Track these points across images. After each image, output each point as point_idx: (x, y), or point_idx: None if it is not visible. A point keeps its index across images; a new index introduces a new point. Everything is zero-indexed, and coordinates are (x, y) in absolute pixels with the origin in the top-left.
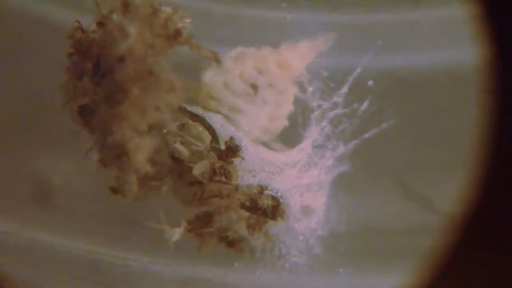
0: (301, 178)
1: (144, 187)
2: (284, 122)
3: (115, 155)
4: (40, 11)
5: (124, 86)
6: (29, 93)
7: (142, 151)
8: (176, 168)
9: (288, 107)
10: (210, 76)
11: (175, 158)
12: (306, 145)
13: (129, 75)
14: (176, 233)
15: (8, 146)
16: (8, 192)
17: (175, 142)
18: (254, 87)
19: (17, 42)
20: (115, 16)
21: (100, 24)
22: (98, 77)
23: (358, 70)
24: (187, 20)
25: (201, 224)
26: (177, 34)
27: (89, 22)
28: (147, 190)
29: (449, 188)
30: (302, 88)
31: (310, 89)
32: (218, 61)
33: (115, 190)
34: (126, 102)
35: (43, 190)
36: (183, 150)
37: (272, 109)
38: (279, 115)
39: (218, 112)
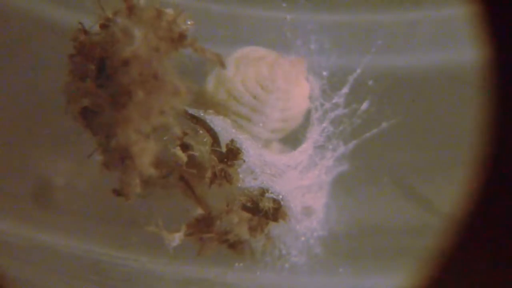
0: (302, 180)
1: (146, 187)
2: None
3: (118, 158)
4: (41, 12)
5: (128, 89)
6: (30, 93)
7: (146, 154)
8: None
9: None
10: (212, 84)
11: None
12: (307, 146)
13: (134, 79)
14: (176, 238)
15: (8, 146)
16: (8, 192)
17: (174, 147)
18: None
19: (18, 43)
20: (119, 19)
21: (103, 26)
22: (102, 79)
23: (358, 70)
24: (189, 22)
25: (201, 228)
26: (181, 37)
27: (90, 24)
28: (149, 190)
29: (449, 188)
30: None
31: (311, 89)
32: (222, 64)
33: (117, 192)
34: (131, 105)
35: (43, 190)
36: (182, 156)
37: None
38: (291, 115)
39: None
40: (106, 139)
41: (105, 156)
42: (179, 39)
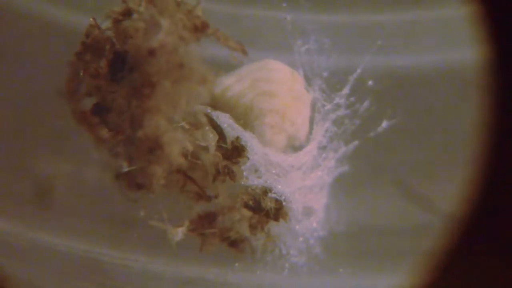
0: (305, 180)
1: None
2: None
3: (147, 148)
4: (41, 11)
5: (154, 80)
6: (30, 93)
7: (176, 143)
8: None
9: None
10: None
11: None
12: (312, 147)
13: (161, 68)
14: (179, 233)
15: (8, 146)
16: (8, 192)
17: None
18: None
19: (18, 42)
20: (143, 9)
21: (119, 20)
22: (121, 73)
23: (359, 70)
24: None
25: (203, 224)
26: (204, 25)
27: (101, 21)
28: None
29: (449, 188)
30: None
31: (313, 90)
32: (244, 52)
33: (140, 186)
34: (157, 95)
35: (43, 190)
36: (188, 146)
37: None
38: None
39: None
40: (131, 131)
41: (129, 149)
42: (202, 28)
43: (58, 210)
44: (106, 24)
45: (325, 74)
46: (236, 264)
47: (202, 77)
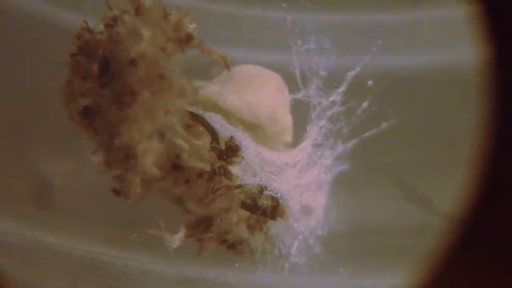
0: (301, 178)
1: (145, 188)
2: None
3: (122, 156)
4: (41, 12)
5: (134, 89)
6: (30, 93)
7: (150, 154)
8: (177, 173)
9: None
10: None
11: (176, 164)
12: (306, 144)
13: (141, 78)
14: (176, 240)
15: (8, 146)
16: (8, 192)
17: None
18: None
19: (18, 42)
20: (127, 18)
21: (109, 25)
22: (106, 79)
23: (357, 69)
24: (192, 26)
25: (200, 229)
26: (188, 37)
27: (94, 24)
28: (147, 191)
29: (449, 188)
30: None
31: (310, 88)
32: (227, 65)
33: (118, 192)
34: (136, 105)
35: (43, 190)
36: (183, 145)
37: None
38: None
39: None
40: (109, 138)
41: (107, 155)
42: (186, 40)
43: (58, 210)
44: (100, 27)
45: (325, 74)
46: (236, 264)
47: (181, 89)
